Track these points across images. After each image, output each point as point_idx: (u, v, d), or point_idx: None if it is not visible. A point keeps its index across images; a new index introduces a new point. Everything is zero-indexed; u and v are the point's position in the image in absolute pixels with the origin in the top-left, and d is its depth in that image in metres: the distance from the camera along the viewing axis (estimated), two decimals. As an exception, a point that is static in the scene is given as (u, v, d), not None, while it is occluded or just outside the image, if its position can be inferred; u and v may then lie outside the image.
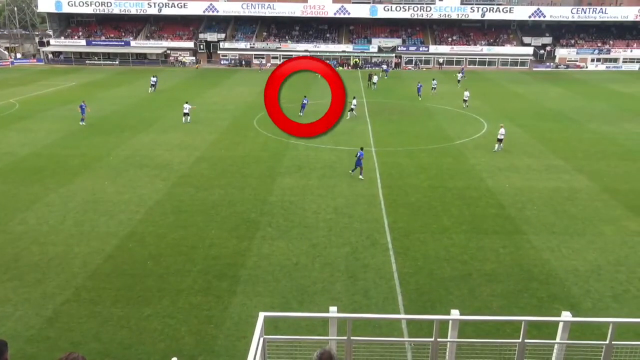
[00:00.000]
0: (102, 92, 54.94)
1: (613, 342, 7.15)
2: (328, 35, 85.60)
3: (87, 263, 17.92)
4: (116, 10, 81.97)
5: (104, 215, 22.01)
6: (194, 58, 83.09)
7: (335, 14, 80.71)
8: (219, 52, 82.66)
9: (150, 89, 52.66)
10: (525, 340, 7.13)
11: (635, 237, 20.39)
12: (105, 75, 69.03)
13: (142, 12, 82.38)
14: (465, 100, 46.37)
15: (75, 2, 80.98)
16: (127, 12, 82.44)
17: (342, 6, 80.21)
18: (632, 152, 32.59)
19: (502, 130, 31.72)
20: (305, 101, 41.61)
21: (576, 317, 7.33)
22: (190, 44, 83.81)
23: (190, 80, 61.44)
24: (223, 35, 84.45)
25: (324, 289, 16.53)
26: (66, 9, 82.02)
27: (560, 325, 7.31)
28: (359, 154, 26.76)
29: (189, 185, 25.86)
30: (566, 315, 7.30)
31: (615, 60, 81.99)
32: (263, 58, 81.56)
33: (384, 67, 75.31)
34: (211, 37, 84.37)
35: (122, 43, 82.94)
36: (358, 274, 17.47)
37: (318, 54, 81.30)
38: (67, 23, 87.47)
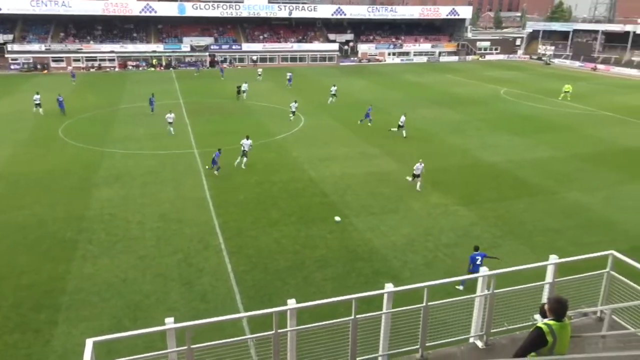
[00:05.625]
0: None
1: (429, 303, 8.09)
2: (135, 34, 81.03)
3: None
4: None
5: None
6: (-25, 63, 71.96)
7: (140, 12, 76.60)
8: (6, 55, 72.76)
9: (35, 109, 41.81)
10: (357, 316, 7.70)
11: (436, 209, 23.28)
12: None
13: None
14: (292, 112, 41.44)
15: None
16: None
17: (148, 4, 76.48)
18: (428, 134, 37.00)
19: (419, 166, 25.70)
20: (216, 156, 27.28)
21: (397, 287, 8.11)
22: (-32, 47, 72.42)
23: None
24: (11, 37, 74.54)
25: (158, 300, 15.80)
26: None
27: (385, 296, 8.04)
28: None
29: (-16, 210, 22.47)
30: (389, 287, 8.04)
31: (408, 53, 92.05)
32: (62, 61, 74.04)
33: (225, 66, 72.92)
34: (-5, 38, 73.88)
35: None
36: (193, 279, 17.05)
37: (126, 55, 76.64)
38: None
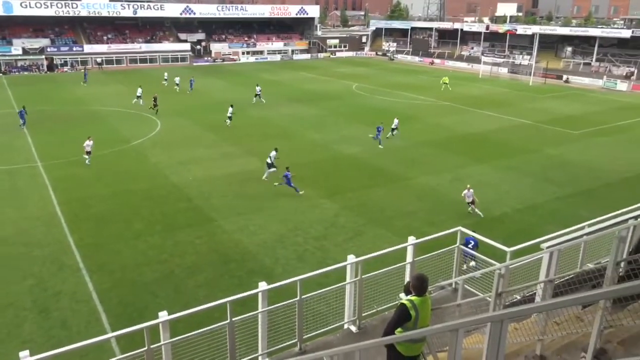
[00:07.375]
0: None
1: (303, 297, 8.30)
2: (-48, 36, 71.06)
3: None
4: None
5: None
6: None
7: (-44, 11, 67.28)
8: None
9: None
10: (233, 319, 7.63)
11: (303, 204, 23.85)
12: None
13: None
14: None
15: None
16: None
17: (-35, 2, 67.40)
18: (287, 131, 37.66)
19: (467, 192, 22.97)
20: None
21: (271, 285, 8.20)
22: None
23: None
24: None
25: (10, 334, 14.15)
26: None
27: (260, 295, 8.08)
28: None
29: None
30: (262, 285, 8.10)
31: (262, 52, 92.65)
32: None
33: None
34: None
35: None
36: (50, 305, 15.53)
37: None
38: None
